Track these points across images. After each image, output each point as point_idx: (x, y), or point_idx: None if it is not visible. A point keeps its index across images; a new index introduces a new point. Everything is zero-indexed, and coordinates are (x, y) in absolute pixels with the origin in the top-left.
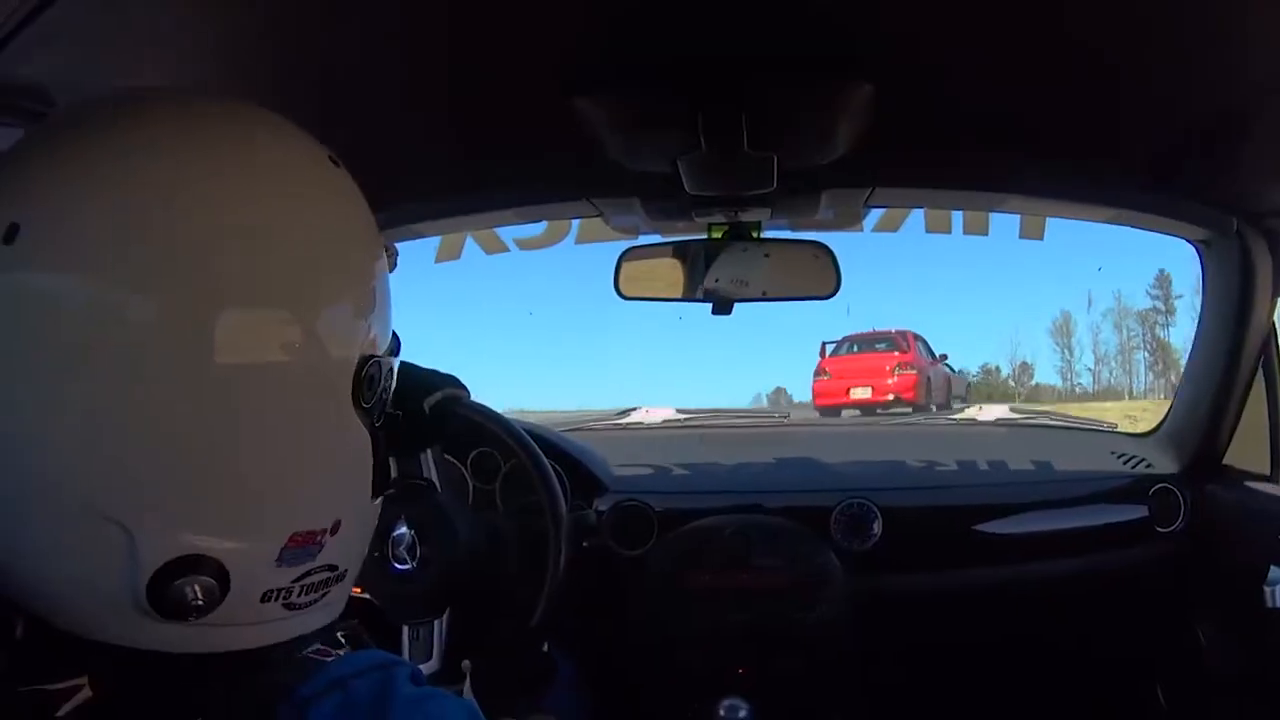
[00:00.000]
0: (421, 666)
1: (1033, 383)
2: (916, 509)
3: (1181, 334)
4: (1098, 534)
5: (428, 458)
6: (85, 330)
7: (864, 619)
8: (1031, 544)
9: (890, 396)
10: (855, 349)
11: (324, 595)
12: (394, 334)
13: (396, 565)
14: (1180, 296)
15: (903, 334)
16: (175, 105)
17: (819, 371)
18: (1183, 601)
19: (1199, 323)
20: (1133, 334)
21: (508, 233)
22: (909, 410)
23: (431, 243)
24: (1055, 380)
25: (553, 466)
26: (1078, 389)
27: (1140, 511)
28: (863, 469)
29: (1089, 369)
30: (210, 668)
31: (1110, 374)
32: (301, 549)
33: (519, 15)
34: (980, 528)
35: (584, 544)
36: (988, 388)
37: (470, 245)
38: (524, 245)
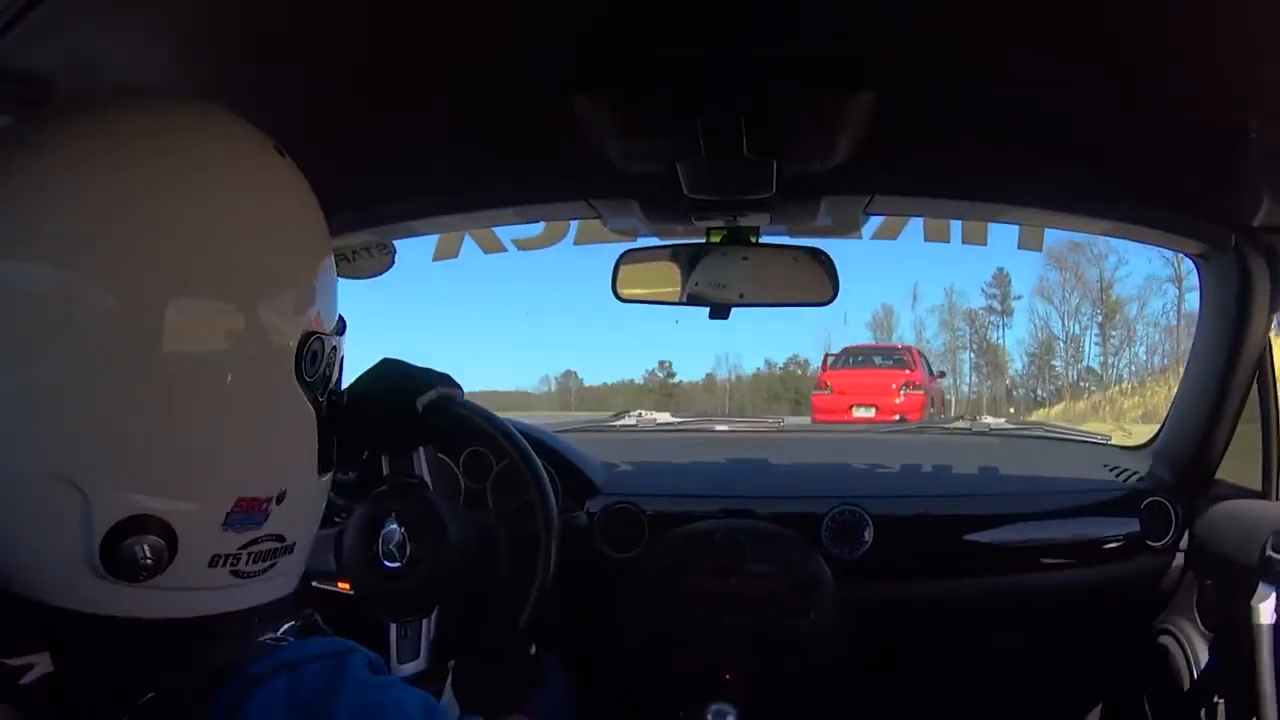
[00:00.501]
0: (409, 666)
1: None
2: (908, 517)
3: (1015, 336)
4: (1088, 546)
5: (420, 456)
6: (49, 313)
7: (855, 626)
8: (1022, 554)
9: (896, 417)
10: (859, 362)
11: (272, 565)
12: (340, 316)
13: (386, 563)
14: (1019, 298)
15: (909, 349)
16: (130, 104)
17: (820, 385)
18: (1172, 616)
19: (1195, 336)
20: (960, 333)
21: (506, 233)
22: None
23: (429, 241)
24: None
25: (545, 467)
26: None
27: (1131, 525)
28: (855, 476)
29: None
30: (163, 637)
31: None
32: (247, 515)
33: (520, 14)
34: (971, 537)
35: (574, 547)
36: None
37: (468, 244)
38: (522, 245)
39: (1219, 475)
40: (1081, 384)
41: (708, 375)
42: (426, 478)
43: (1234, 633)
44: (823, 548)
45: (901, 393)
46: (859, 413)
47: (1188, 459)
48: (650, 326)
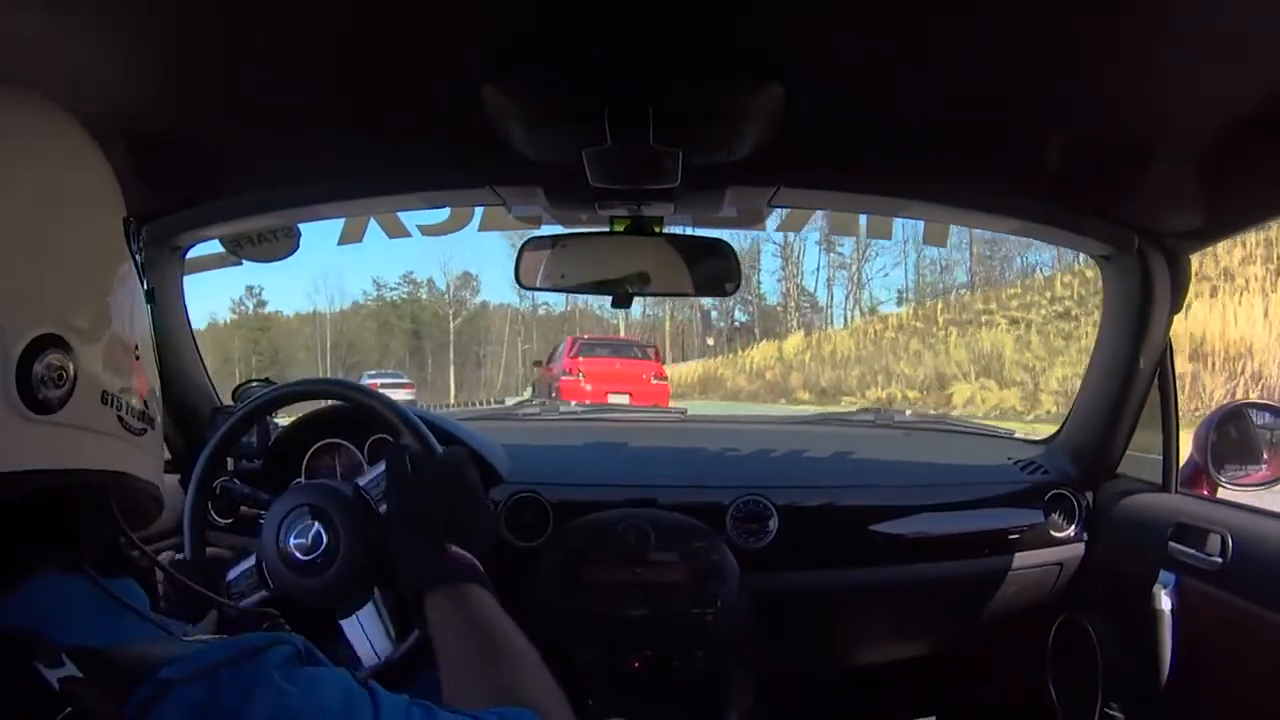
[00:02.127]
0: (382, 658)
1: None
2: (813, 508)
3: None
4: (994, 537)
5: (336, 457)
6: None
7: (760, 615)
8: (928, 545)
9: (650, 404)
10: (608, 352)
11: (145, 432)
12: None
13: (301, 556)
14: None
15: (651, 344)
16: None
17: (569, 371)
18: (1076, 604)
19: (1099, 334)
20: None
21: (411, 218)
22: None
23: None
24: None
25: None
26: None
27: (1036, 516)
28: (760, 466)
29: None
30: (77, 506)
31: None
32: (120, 358)
33: (430, 2)
34: (877, 528)
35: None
36: None
37: (373, 228)
38: (427, 231)
39: (1120, 469)
40: None
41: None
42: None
43: (1136, 619)
44: (727, 537)
45: (653, 382)
46: (614, 399)
47: (1091, 453)
48: None
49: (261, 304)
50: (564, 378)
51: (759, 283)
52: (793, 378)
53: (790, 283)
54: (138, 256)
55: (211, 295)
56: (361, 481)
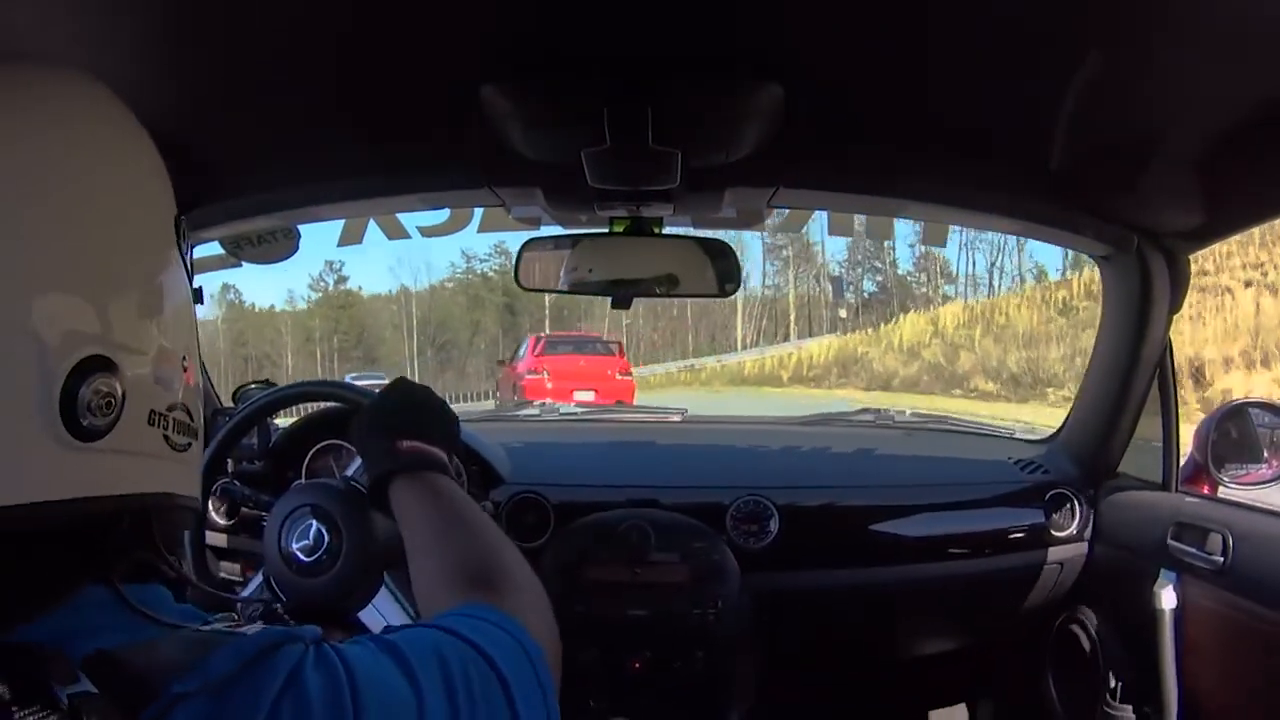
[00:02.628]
0: None
1: None
2: (814, 508)
3: None
4: (994, 537)
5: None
6: None
7: (760, 615)
8: (928, 546)
9: (614, 401)
10: (571, 349)
11: (189, 447)
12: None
13: (305, 558)
14: None
15: (615, 340)
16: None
17: (534, 370)
18: (1076, 603)
19: (1099, 334)
20: None
21: (411, 219)
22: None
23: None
24: None
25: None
26: None
27: (1037, 516)
28: (761, 467)
29: None
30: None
31: None
32: (169, 369)
33: (430, 5)
34: (877, 528)
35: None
36: None
37: (373, 230)
38: (427, 233)
39: (1121, 468)
40: None
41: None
42: (335, 470)
43: (1137, 619)
44: (728, 538)
45: (617, 378)
46: (580, 396)
47: (1091, 452)
48: None
49: (342, 279)
50: (529, 376)
51: (892, 247)
52: (963, 360)
53: (926, 248)
54: (187, 256)
55: (286, 272)
56: (349, 472)
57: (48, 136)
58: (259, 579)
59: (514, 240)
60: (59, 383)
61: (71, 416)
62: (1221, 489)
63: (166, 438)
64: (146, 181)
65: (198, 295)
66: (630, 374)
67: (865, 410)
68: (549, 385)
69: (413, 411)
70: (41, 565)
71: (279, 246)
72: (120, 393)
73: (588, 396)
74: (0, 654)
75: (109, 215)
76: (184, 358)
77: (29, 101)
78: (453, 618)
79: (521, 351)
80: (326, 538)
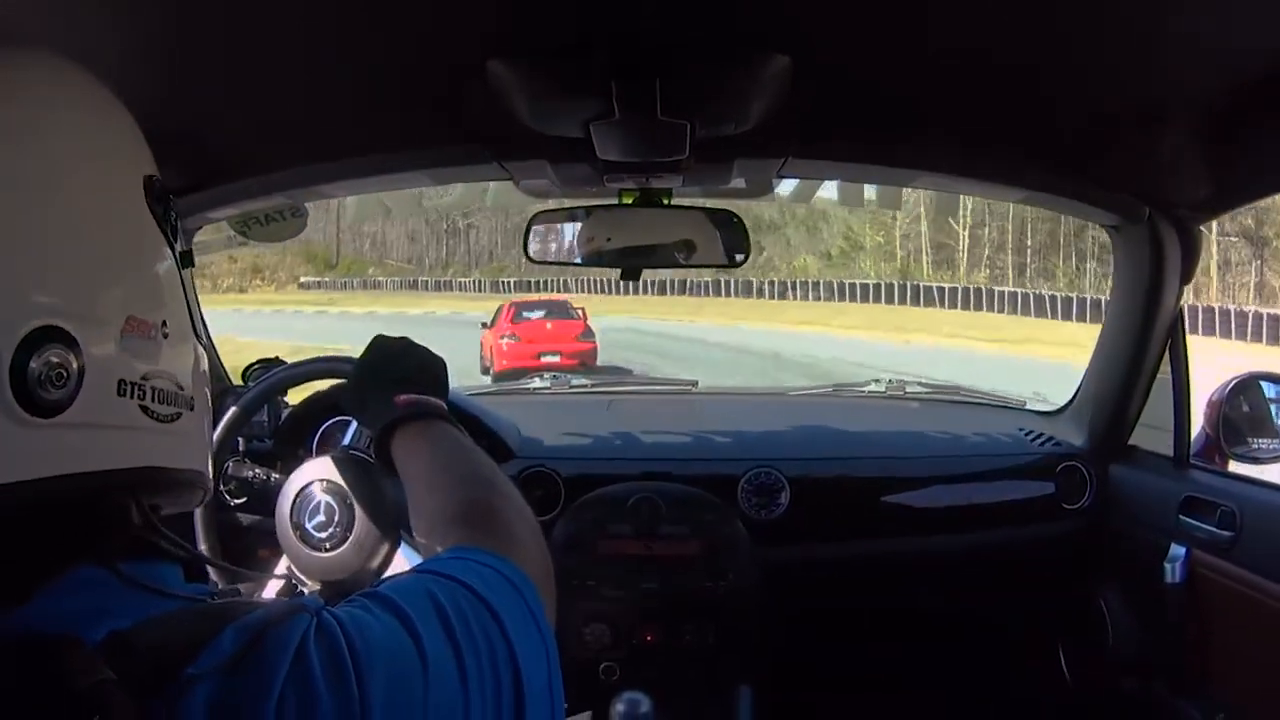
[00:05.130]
0: None
1: None
2: (824, 479)
3: None
4: (1005, 509)
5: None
6: None
7: (771, 587)
8: (938, 517)
9: (577, 361)
10: (543, 314)
11: (178, 417)
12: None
13: (319, 534)
14: None
15: (577, 307)
16: None
17: (507, 334)
18: (1086, 576)
19: (1109, 306)
20: None
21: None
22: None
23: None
24: None
25: None
26: None
27: (1047, 488)
28: (771, 438)
29: None
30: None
31: None
32: (140, 338)
33: None
34: (887, 499)
35: None
36: None
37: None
38: (441, 208)
39: (1132, 441)
40: None
41: None
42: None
43: (1147, 591)
44: (739, 510)
45: (579, 340)
46: (546, 358)
47: (1102, 425)
48: None
49: None
50: (502, 340)
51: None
52: None
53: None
54: (168, 218)
55: None
56: (345, 440)
57: None
58: (281, 571)
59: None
60: (7, 358)
61: (24, 392)
62: (1232, 463)
63: (145, 408)
64: (101, 139)
65: (187, 258)
66: (592, 336)
67: (876, 381)
68: (520, 348)
69: (398, 364)
70: (25, 547)
71: (288, 225)
72: (76, 364)
73: (554, 359)
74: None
75: (54, 176)
76: (164, 323)
77: None
78: (442, 561)
79: (499, 318)
80: (337, 510)
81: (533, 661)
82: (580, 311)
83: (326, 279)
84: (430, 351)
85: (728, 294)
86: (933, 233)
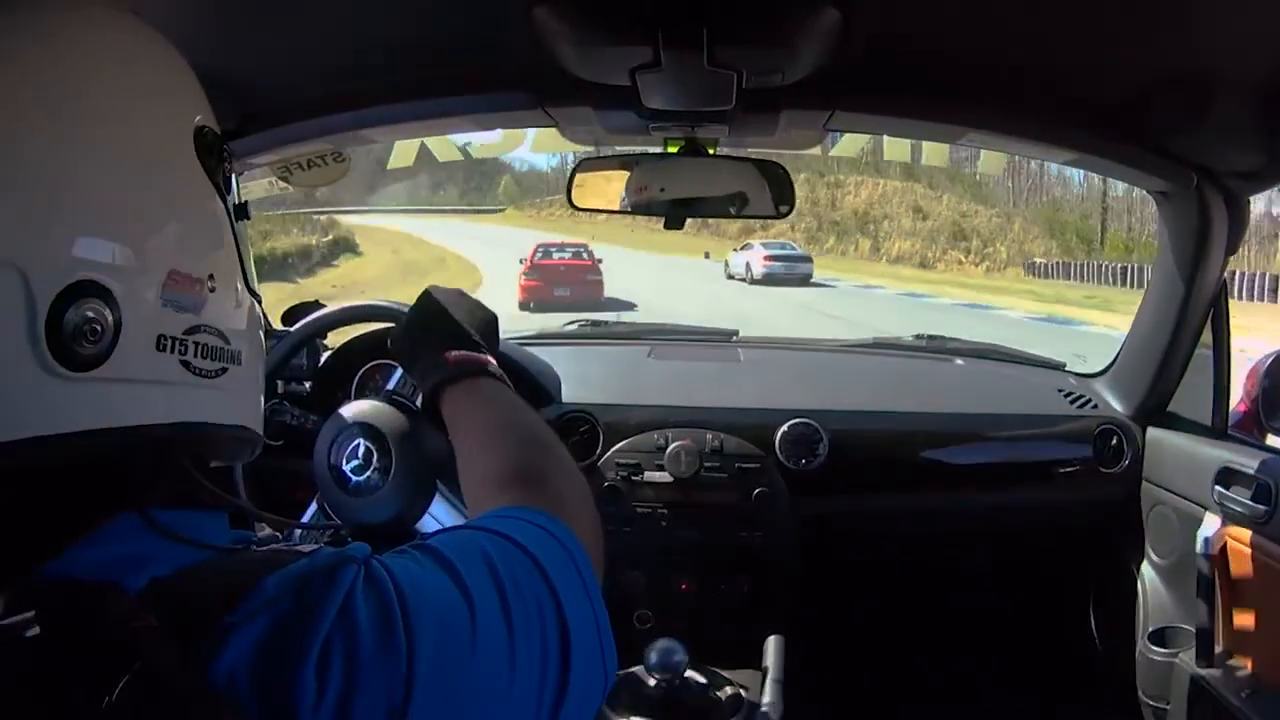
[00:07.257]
0: None
1: None
2: (862, 432)
3: None
4: (1041, 469)
5: (384, 378)
6: None
7: (806, 538)
8: (975, 474)
9: (584, 294)
10: (556, 255)
11: (224, 372)
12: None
13: (356, 477)
14: None
15: (587, 247)
16: None
17: (529, 271)
18: (1120, 541)
19: (1154, 270)
20: None
21: (461, 140)
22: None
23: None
24: None
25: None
26: None
27: (1084, 451)
28: (811, 390)
29: None
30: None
31: None
32: (183, 294)
33: None
34: (926, 455)
35: None
36: None
37: (425, 152)
38: (479, 153)
39: (1171, 407)
40: None
41: None
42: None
43: (1179, 560)
44: (777, 460)
45: (588, 278)
46: (558, 292)
47: (1142, 390)
48: None
49: None
50: (526, 278)
51: None
52: None
53: None
54: (220, 170)
55: None
56: (389, 386)
57: (26, 49)
58: (314, 505)
59: None
60: (44, 311)
61: (61, 345)
62: (1270, 436)
63: (186, 363)
64: (151, 88)
65: (242, 211)
66: (600, 274)
67: (918, 336)
68: (540, 285)
69: (450, 319)
70: (62, 501)
71: (330, 170)
72: (112, 319)
73: (565, 293)
74: (35, 592)
75: (99, 130)
76: (210, 276)
77: None
78: (493, 518)
79: (527, 257)
80: (375, 455)
81: (581, 624)
82: (588, 253)
83: None
84: (482, 304)
85: None
86: None
